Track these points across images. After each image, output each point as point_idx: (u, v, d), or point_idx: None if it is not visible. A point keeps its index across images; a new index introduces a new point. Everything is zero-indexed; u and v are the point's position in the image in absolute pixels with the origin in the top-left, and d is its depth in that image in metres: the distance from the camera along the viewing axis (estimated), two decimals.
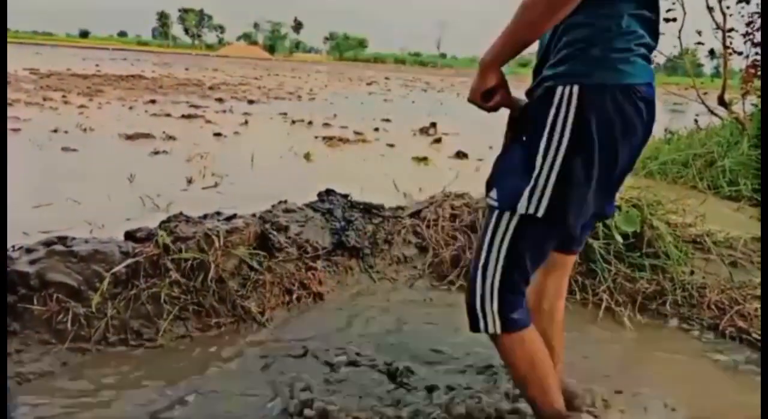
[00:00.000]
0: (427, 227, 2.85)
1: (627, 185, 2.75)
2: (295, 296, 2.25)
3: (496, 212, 1.23)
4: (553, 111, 1.16)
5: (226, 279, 2.11)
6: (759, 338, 2.10)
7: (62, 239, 2.06)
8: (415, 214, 2.97)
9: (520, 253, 1.23)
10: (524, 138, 1.24)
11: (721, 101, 5.44)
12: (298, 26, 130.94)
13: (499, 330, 1.26)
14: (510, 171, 1.22)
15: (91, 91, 10.88)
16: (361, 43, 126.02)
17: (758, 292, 2.33)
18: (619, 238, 2.45)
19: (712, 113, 5.69)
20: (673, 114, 8.61)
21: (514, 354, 1.28)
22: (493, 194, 1.23)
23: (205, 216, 2.44)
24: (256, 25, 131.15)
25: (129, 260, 2.00)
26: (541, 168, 1.17)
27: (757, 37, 5.26)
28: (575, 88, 1.14)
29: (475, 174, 5.15)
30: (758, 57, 5.32)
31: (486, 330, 1.27)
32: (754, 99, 5.69)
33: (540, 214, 1.18)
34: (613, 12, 1.15)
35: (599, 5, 1.15)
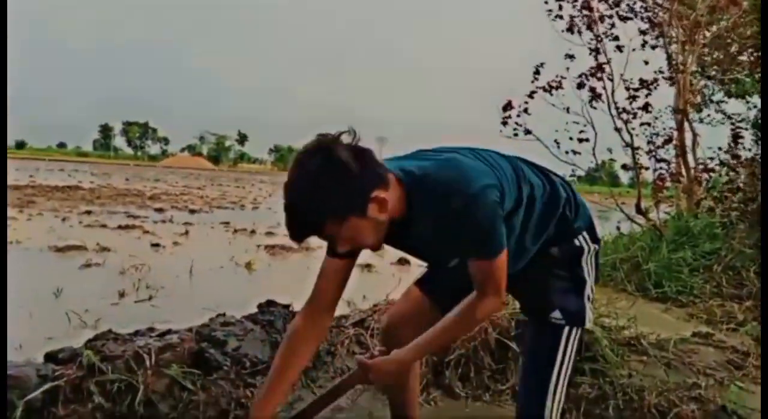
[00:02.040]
0: (371, 336, 2.81)
1: None
2: (231, 417, 2.11)
3: (565, 330, 1.39)
4: (585, 247, 1.46)
5: (156, 402, 1.97)
6: None
7: None
8: (359, 323, 2.93)
9: (575, 366, 1.48)
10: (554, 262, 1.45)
11: (639, 210, 5.92)
12: (242, 139, 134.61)
13: None
14: (566, 292, 1.42)
15: (21, 202, 10.50)
16: None
17: (693, 393, 2.40)
18: None
19: (631, 220, 6.15)
20: (599, 221, 9.23)
21: None
22: (557, 313, 1.40)
23: (136, 333, 2.32)
24: (201, 138, 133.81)
25: (47, 385, 1.84)
26: (589, 287, 1.44)
27: (659, 153, 5.94)
28: (585, 233, 1.48)
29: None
30: (662, 171, 5.95)
31: None
32: (666, 207, 6.23)
33: (590, 324, 1.49)
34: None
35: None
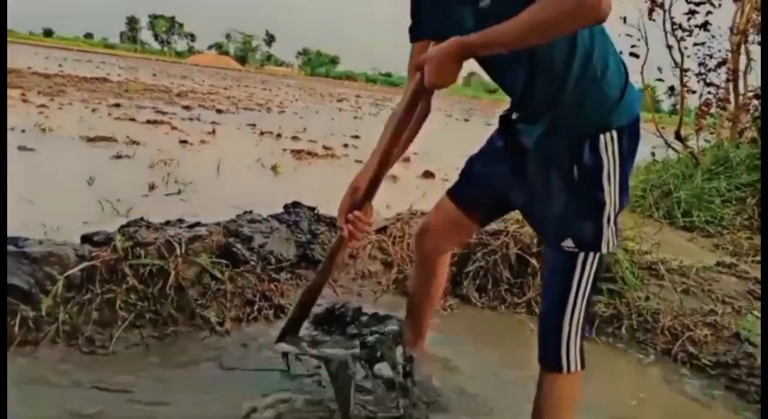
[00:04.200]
0: (393, 243, 2.86)
1: None
2: (256, 307, 2.21)
3: (581, 256, 1.29)
4: (605, 157, 1.25)
5: (186, 288, 2.06)
6: (707, 364, 2.18)
7: (13, 240, 1.97)
8: (382, 230, 2.97)
9: (596, 286, 1.36)
10: (573, 185, 1.29)
11: (678, 136, 5.70)
12: (270, 39, 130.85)
13: (579, 367, 1.33)
14: (578, 216, 1.29)
15: (52, 91, 10.55)
16: (333, 61, 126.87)
17: (708, 319, 2.42)
18: None
19: (669, 146, 5.95)
20: None
21: (571, 392, 1.36)
22: (569, 242, 1.29)
23: (167, 223, 2.39)
24: (228, 36, 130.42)
25: (84, 264, 1.92)
26: (609, 209, 1.27)
27: (710, 77, 5.59)
28: (614, 134, 1.25)
29: (441, 194, 5.21)
30: (710, 96, 5.63)
31: (568, 369, 1.32)
32: (707, 135, 5.97)
33: (613, 248, 1.31)
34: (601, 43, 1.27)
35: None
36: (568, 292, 1.31)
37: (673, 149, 5.93)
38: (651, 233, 3.27)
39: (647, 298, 2.55)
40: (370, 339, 1.48)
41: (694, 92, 5.66)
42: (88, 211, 3.20)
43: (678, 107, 6.01)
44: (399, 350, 1.57)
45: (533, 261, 2.63)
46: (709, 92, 5.65)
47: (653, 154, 6.32)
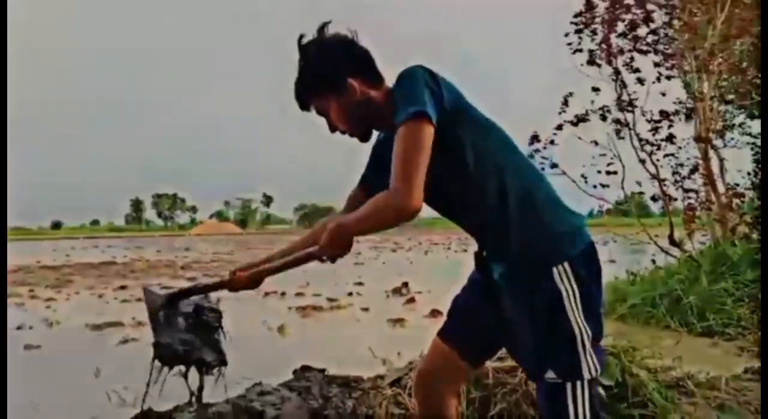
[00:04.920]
0: (409, 395, 2.76)
1: None
2: None
3: (567, 387, 1.29)
4: (562, 288, 1.29)
5: None
6: None
7: None
8: (396, 382, 2.88)
9: (598, 412, 1.31)
10: (540, 318, 1.32)
11: (672, 241, 5.79)
12: (268, 200, 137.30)
13: None
14: (553, 347, 1.31)
15: (59, 282, 10.80)
16: (330, 211, 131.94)
17: None
18: (601, 390, 2.41)
19: (666, 253, 6.00)
20: (633, 255, 8.99)
21: None
22: (550, 373, 1.30)
23: (175, 409, 2.34)
24: (227, 203, 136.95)
25: None
26: (581, 337, 1.29)
27: (687, 184, 5.86)
28: (566, 265, 1.30)
29: None
30: (691, 201, 5.85)
31: None
32: (701, 237, 6.07)
33: (596, 373, 1.30)
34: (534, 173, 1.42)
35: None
36: None
37: (670, 255, 5.99)
38: (671, 345, 3.18)
39: None
40: None
41: (675, 200, 5.89)
42: (95, 404, 3.12)
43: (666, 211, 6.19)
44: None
45: None
46: (689, 197, 5.89)
47: (653, 261, 6.36)
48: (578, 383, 1.29)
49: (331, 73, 1.38)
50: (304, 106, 1.45)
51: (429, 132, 1.25)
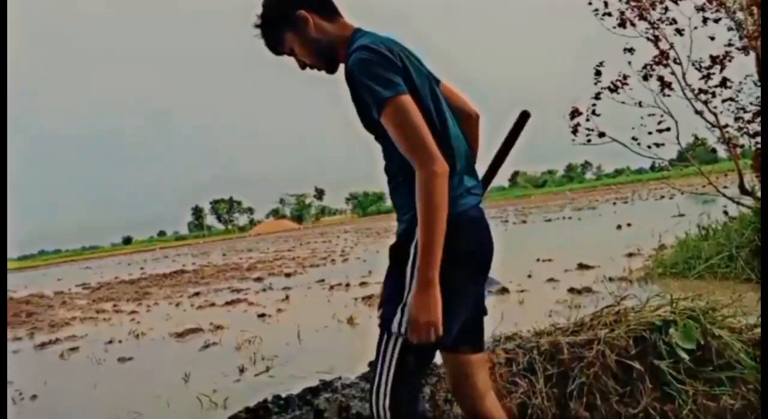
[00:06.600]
0: None
1: (677, 293, 2.71)
2: None
3: (384, 334, 1.38)
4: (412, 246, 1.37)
5: None
6: None
7: None
8: None
9: (409, 369, 1.36)
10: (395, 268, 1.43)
11: (743, 190, 5.48)
12: (320, 193, 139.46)
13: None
14: (388, 297, 1.42)
15: (138, 295, 11.45)
16: (380, 197, 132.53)
17: None
18: (684, 355, 2.35)
19: (738, 204, 5.68)
20: (704, 206, 8.54)
21: None
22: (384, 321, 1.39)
23: (264, 401, 2.45)
24: (281, 201, 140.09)
25: None
26: (408, 292, 1.34)
27: (750, 128, 5.50)
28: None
29: (519, 308, 5.09)
30: (758, 145, 5.48)
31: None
32: None
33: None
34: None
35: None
36: (375, 367, 1.41)
37: (742, 205, 5.67)
38: (754, 299, 3.04)
39: None
40: None
41: (742, 146, 5.56)
42: (190, 409, 3.32)
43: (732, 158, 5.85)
44: None
45: (636, 365, 2.48)
46: (756, 142, 5.52)
47: (725, 212, 6.05)
48: (393, 336, 1.36)
49: (280, 7, 1.48)
50: (273, 49, 1.54)
51: (407, 102, 1.31)
